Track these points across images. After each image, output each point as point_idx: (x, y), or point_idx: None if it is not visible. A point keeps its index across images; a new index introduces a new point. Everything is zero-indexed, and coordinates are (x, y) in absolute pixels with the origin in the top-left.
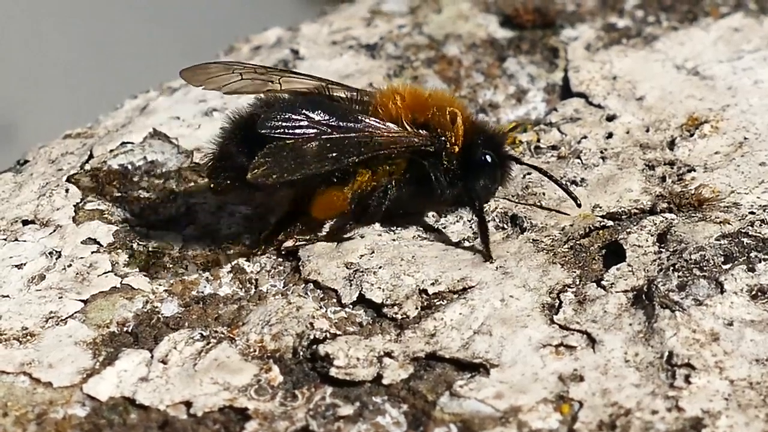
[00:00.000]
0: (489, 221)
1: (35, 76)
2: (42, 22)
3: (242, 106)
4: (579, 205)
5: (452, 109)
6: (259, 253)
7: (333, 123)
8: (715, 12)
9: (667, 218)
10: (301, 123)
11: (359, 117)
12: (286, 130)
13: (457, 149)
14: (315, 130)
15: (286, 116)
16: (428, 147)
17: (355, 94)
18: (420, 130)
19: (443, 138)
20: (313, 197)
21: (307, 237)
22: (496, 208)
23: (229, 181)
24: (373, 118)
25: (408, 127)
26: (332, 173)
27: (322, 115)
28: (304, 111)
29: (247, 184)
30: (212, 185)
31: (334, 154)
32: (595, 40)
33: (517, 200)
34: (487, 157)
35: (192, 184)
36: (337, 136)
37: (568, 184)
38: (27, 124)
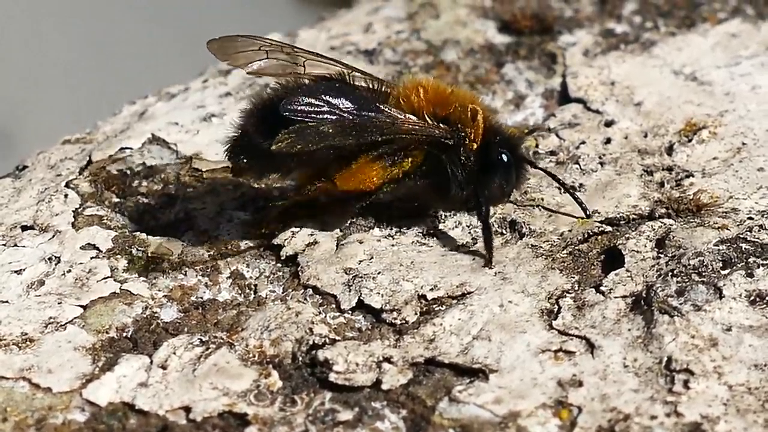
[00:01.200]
0: None
1: (33, 83)
2: (40, 28)
3: (263, 89)
4: (588, 215)
5: (473, 106)
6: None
7: (354, 110)
8: (712, 18)
9: (665, 224)
10: (323, 108)
11: (380, 106)
12: (308, 114)
13: (475, 146)
14: (336, 116)
15: (308, 101)
16: (447, 140)
17: (378, 84)
18: (440, 124)
19: (462, 133)
20: (345, 167)
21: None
22: (494, 213)
23: (247, 161)
24: (395, 109)
25: (428, 120)
26: (370, 149)
27: (343, 102)
28: (326, 97)
29: (264, 164)
30: (230, 165)
31: (355, 132)
32: (593, 45)
33: (516, 205)
34: (504, 156)
35: (191, 189)
36: (358, 121)
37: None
38: (25, 129)
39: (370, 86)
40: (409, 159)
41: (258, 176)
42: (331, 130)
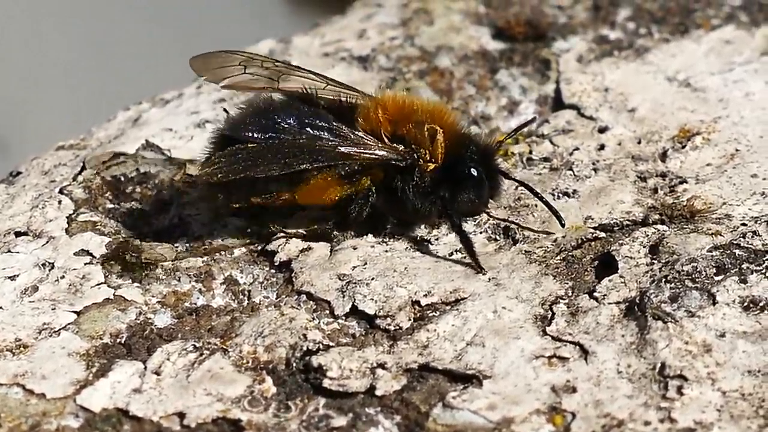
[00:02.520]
0: (481, 233)
1: (27, 90)
2: (35, 33)
3: (232, 111)
4: (563, 225)
5: (432, 126)
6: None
7: (301, 129)
8: (706, 24)
9: (659, 230)
10: (269, 127)
11: (333, 126)
12: (254, 134)
13: (432, 166)
14: (282, 135)
15: (256, 120)
16: (399, 162)
17: (346, 98)
18: (396, 144)
19: (416, 155)
20: (306, 181)
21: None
22: (488, 219)
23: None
24: (347, 128)
25: (385, 140)
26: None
27: (293, 121)
28: (275, 116)
29: (229, 189)
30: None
31: (286, 160)
32: (586, 52)
33: (509, 212)
34: (473, 171)
35: (185, 195)
36: (300, 141)
37: (561, 195)
38: (19, 136)
39: (336, 103)
40: (369, 178)
41: (228, 199)
42: (259, 159)
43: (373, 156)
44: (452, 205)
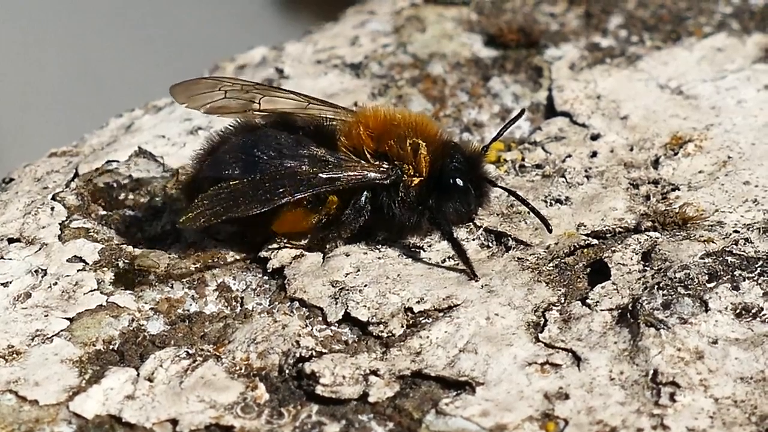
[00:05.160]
0: (473, 239)
1: (20, 95)
2: (26, 40)
3: (206, 142)
4: (550, 231)
5: (414, 140)
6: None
7: (281, 160)
8: (698, 32)
9: (651, 237)
10: (248, 162)
11: (313, 151)
12: (234, 171)
13: (416, 180)
14: (262, 168)
15: (235, 156)
16: (382, 180)
17: (328, 118)
18: (379, 162)
19: (400, 170)
20: (279, 213)
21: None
22: (481, 226)
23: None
24: (327, 151)
25: (368, 157)
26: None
27: (272, 151)
28: (254, 149)
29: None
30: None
31: (267, 195)
32: (579, 59)
33: (501, 219)
34: (458, 181)
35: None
36: (281, 173)
37: (553, 202)
38: (12, 142)
39: (315, 125)
40: (351, 196)
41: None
42: (240, 198)
43: (357, 177)
44: (440, 213)
